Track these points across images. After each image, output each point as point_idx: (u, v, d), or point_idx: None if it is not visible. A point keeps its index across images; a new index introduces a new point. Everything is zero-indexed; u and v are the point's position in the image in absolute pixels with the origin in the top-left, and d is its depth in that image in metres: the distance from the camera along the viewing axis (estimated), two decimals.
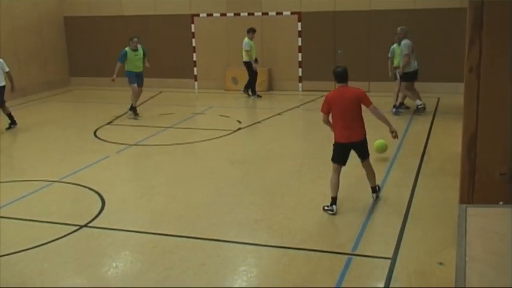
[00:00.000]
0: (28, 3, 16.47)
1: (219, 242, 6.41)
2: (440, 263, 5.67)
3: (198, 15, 16.56)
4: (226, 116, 13.03)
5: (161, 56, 17.01)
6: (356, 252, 6.03)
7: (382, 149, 9.31)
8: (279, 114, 13.11)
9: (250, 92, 15.26)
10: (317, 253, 6.06)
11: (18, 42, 16.20)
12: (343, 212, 7.20)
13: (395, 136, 7.44)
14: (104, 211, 7.47)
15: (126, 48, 12.87)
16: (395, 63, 12.51)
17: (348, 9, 15.20)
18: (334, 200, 7.16)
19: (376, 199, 7.51)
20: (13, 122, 12.54)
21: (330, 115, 7.08)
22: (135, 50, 12.82)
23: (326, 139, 10.61)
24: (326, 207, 7.21)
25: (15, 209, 7.70)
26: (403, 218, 6.93)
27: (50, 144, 11.34)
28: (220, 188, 8.34)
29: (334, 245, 6.26)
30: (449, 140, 10.31)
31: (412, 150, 9.92)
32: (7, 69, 12.19)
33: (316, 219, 7.06)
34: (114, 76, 12.76)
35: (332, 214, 7.11)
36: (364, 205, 7.40)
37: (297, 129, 12.24)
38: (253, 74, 15.11)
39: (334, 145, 7.20)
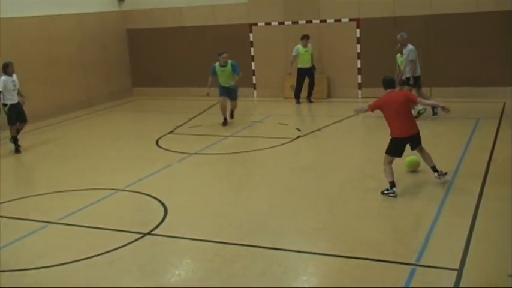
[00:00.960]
0: (94, 17, 16.95)
1: (280, 251, 6.36)
2: (511, 275, 5.41)
3: (256, 24, 16.60)
4: (285, 124, 12.99)
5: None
6: (420, 263, 5.84)
7: (414, 166, 8.90)
8: (338, 121, 12.97)
9: (308, 99, 15.45)
10: (380, 263, 5.91)
11: (84, 55, 16.67)
12: (407, 221, 7.02)
13: (448, 110, 7.97)
14: (166, 219, 7.54)
15: (216, 64, 13.11)
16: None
17: (407, 15, 14.93)
18: (393, 184, 7.85)
19: (439, 178, 8.16)
20: (16, 149, 11.78)
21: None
22: (224, 65, 13.01)
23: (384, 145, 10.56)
24: (386, 191, 7.82)
25: (82, 216, 7.87)
26: (469, 227, 6.68)
27: (114, 153, 11.56)
28: (281, 196, 8.30)
29: (398, 255, 6.07)
30: None
31: (478, 157, 9.61)
32: (18, 86, 11.58)
33: (379, 228, 6.92)
34: (207, 89, 13.06)
35: (393, 196, 7.72)
36: (428, 214, 7.19)
37: (357, 136, 12.01)
38: (301, 82, 15.21)
39: (392, 140, 8.03)
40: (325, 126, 12.59)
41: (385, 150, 8.08)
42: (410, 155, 8.76)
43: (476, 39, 14.48)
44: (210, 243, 6.72)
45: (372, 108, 8.14)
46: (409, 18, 14.88)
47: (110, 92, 17.60)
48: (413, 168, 8.89)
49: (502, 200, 7.56)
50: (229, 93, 13.12)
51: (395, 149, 7.99)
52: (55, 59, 15.64)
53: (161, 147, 11.62)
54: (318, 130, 12.25)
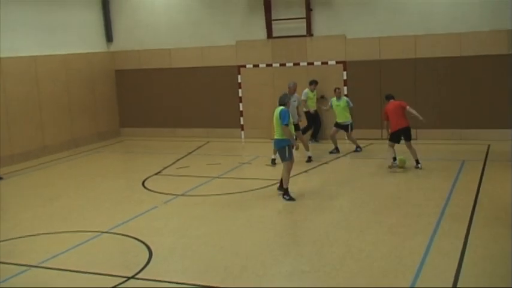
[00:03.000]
0: (81, 57, 16.97)
1: None
2: None
3: (244, 66, 16.75)
4: (273, 166, 12.93)
5: (208, 106, 17.27)
6: None
7: (402, 163, 11.91)
8: (325, 163, 13.06)
9: (314, 139, 15.70)
10: None
11: (72, 96, 16.65)
12: (392, 267, 6.97)
13: (425, 121, 12.03)
14: (150, 262, 7.44)
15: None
16: (344, 118, 13.70)
17: (393, 58, 15.15)
18: (394, 159, 11.87)
19: (416, 167, 11.73)
20: None
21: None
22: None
23: (374, 187, 10.66)
24: (391, 164, 11.82)
25: (64, 260, 7.74)
26: (455, 271, 6.64)
27: (99, 194, 11.44)
28: (267, 239, 8.24)
29: None
30: (502, 188, 10.01)
31: (463, 199, 9.62)
32: None
33: (366, 271, 6.86)
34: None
35: (396, 166, 11.80)
36: (414, 257, 7.16)
37: (344, 178, 11.87)
38: (312, 123, 15.41)
39: (391, 134, 11.93)
40: (313, 168, 12.64)
41: (370, 190, 9.70)
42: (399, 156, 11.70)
43: (461, 83, 14.70)
44: (194, 287, 6.62)
45: (386, 118, 11.98)
46: (395, 61, 15.12)
47: (96, 133, 17.54)
48: (402, 165, 11.86)
49: (488, 241, 7.55)
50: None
51: (394, 138, 11.88)
52: (41, 99, 15.55)
53: (147, 189, 11.54)
54: (305, 172, 12.23)
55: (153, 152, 15.86)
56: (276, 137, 10.30)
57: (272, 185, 11.05)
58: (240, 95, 16.90)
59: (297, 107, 12.91)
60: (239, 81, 16.86)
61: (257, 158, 13.93)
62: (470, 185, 10.48)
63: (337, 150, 13.69)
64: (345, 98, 14.02)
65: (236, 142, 16.28)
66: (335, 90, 13.89)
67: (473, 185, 10.41)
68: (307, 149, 13.13)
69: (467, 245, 7.49)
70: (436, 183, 10.78)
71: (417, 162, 11.86)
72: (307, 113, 15.33)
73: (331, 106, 13.99)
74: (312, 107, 15.43)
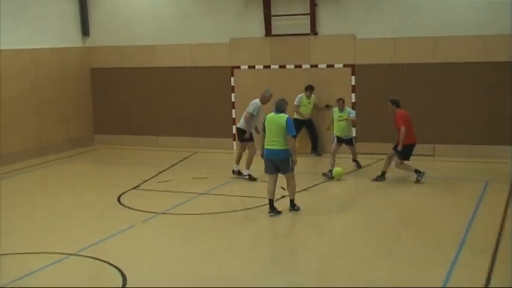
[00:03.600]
0: (53, 53, 16.90)
1: None
2: None
3: (238, 67, 16.74)
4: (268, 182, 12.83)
5: (196, 112, 17.23)
6: None
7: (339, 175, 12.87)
8: (327, 180, 13.06)
9: (315, 152, 15.78)
10: None
11: (40, 97, 16.58)
12: None
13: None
14: None
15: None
16: (348, 131, 13.70)
17: (409, 62, 15.15)
18: (417, 170, 12.45)
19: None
20: None
21: None
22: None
23: (384, 208, 10.72)
24: (418, 177, 12.41)
25: (24, 286, 7.65)
26: None
27: (68, 210, 11.39)
28: (260, 265, 8.22)
29: None
30: None
31: (486, 226, 9.59)
32: None
33: None
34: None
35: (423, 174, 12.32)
36: None
37: (347, 198, 12.03)
38: (300, 130, 15.25)
39: (405, 146, 12.23)
40: (313, 186, 12.60)
41: (375, 211, 9.92)
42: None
43: (486, 91, 14.63)
44: None
45: (402, 124, 12.15)
46: (411, 66, 15.13)
47: (67, 140, 17.47)
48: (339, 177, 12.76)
49: None
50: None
51: (408, 152, 12.42)
52: (3, 100, 15.41)
53: (123, 205, 11.53)
54: (304, 190, 12.15)
55: (132, 163, 15.87)
56: (276, 147, 10.37)
57: (266, 204, 10.92)
58: (233, 99, 16.86)
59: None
60: (232, 84, 16.82)
61: (251, 173, 13.80)
62: (495, 208, 10.44)
63: (330, 173, 13.29)
64: (349, 108, 13.91)
65: (227, 154, 16.18)
66: (338, 102, 13.76)
67: (498, 209, 10.36)
68: (248, 166, 13.28)
69: (491, 280, 7.41)
70: (456, 206, 10.76)
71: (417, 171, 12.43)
72: (298, 121, 15.17)
73: (332, 120, 13.90)
74: (306, 114, 15.60)
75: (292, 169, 10.45)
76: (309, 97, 15.57)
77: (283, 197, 11.38)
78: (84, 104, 18.16)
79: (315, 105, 15.74)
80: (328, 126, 14.33)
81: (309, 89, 15.53)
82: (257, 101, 13.13)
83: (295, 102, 15.33)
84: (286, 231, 9.89)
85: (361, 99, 15.59)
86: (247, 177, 13.21)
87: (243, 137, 13.19)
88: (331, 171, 13.14)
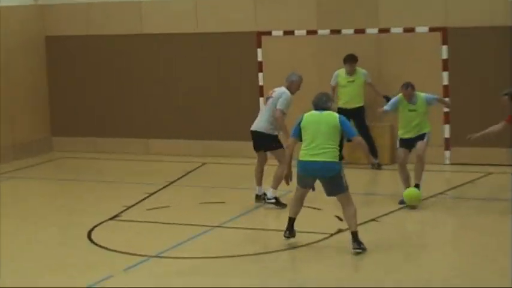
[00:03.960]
0: None
1: None
2: None
3: (268, 33, 16.69)
4: (318, 209, 12.72)
5: (205, 103, 17.21)
6: None
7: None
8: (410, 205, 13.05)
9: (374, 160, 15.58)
10: None
11: None
12: None
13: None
14: None
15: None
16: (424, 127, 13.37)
17: None
18: None
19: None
20: None
21: None
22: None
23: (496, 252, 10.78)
24: None
25: None
26: None
27: (16, 251, 11.31)
28: None
29: None
30: None
31: None
32: None
33: None
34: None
35: None
36: None
37: (443, 232, 12.14)
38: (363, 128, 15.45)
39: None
40: (388, 214, 12.55)
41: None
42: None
43: None
44: None
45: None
46: None
47: (12, 146, 17.56)
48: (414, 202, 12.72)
49: None
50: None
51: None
52: None
53: (97, 244, 11.43)
54: (373, 220, 12.20)
55: (108, 179, 16.02)
56: (324, 159, 10.50)
57: (313, 243, 10.98)
58: (261, 83, 16.67)
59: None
60: (259, 59, 16.77)
61: (290, 194, 13.19)
62: None
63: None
64: (423, 95, 13.50)
65: (251, 164, 15.55)
66: (405, 88, 13.33)
67: None
68: (275, 185, 13.15)
69: None
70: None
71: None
72: (338, 112, 14.87)
73: (393, 110, 13.55)
74: (348, 100, 15.73)
75: (347, 187, 10.68)
76: (350, 73, 15.62)
77: (339, 231, 11.46)
78: (36, 94, 18.19)
79: (369, 85, 15.72)
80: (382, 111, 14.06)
81: (350, 60, 15.63)
82: (285, 90, 13.00)
83: (332, 82, 15.75)
84: (349, 282, 9.80)
85: (457, 81, 15.41)
86: (273, 201, 13.10)
87: (268, 144, 13.14)
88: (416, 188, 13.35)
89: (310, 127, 10.55)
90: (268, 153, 13.31)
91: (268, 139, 13.02)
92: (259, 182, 13.39)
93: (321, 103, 10.61)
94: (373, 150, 15.49)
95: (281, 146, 12.99)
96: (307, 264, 10.50)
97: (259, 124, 13.14)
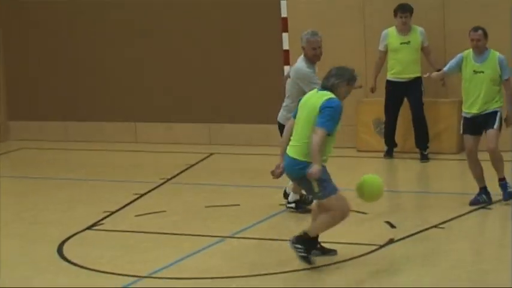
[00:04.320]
0: None
1: None
2: None
3: None
4: (363, 213, 13.11)
5: (211, 77, 17.60)
6: None
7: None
8: (483, 207, 13.25)
9: (421, 151, 16.01)
10: None
11: None
12: None
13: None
14: None
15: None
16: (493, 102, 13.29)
17: None
18: None
19: None
20: None
21: None
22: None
23: None
24: None
25: None
26: None
27: None
28: None
29: None
30: None
31: None
32: None
33: None
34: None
35: None
36: None
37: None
38: (393, 112, 15.80)
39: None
40: (451, 220, 12.74)
41: None
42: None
43: None
44: None
45: None
46: None
47: None
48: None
49: None
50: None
51: None
52: None
53: (69, 261, 11.59)
54: (434, 227, 12.40)
55: (84, 176, 16.38)
56: (292, 155, 10.74)
57: (359, 256, 11.13)
58: (286, 47, 17.05)
59: None
60: (284, 14, 17.02)
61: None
62: None
63: (483, 196, 13.40)
64: (497, 54, 13.32)
65: (271, 155, 16.06)
66: (476, 30, 13.04)
67: None
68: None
69: None
70: None
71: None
72: (387, 84, 15.77)
73: (455, 71, 13.43)
74: (402, 69, 16.05)
75: (326, 194, 10.60)
76: (403, 31, 15.98)
77: (390, 241, 11.74)
78: None
79: (424, 50, 16.10)
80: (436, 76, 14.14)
81: (404, 10, 15.90)
82: (299, 63, 13.04)
83: (379, 47, 16.23)
84: None
85: None
86: (293, 206, 13.50)
87: None
88: (482, 191, 13.47)
89: (299, 110, 10.79)
90: None
91: None
92: None
93: (325, 80, 10.69)
94: (423, 139, 15.86)
95: None
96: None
97: (280, 112, 13.34)
